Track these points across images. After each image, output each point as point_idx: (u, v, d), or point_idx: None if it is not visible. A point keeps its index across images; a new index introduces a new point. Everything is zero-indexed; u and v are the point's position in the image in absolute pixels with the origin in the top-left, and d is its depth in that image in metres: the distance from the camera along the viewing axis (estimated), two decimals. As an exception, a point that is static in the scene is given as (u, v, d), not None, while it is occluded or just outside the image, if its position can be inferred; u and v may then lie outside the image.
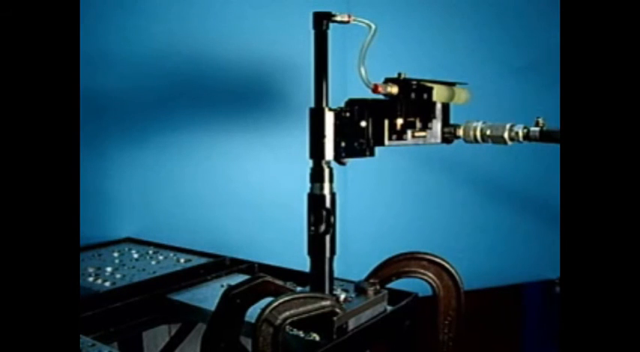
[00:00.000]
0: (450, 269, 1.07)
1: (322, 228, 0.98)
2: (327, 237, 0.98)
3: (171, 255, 1.43)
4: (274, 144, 1.71)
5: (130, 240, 1.55)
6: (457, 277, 1.07)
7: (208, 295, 1.20)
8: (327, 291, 0.99)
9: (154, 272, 1.28)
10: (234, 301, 0.94)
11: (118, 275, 1.27)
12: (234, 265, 1.35)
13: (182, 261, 1.38)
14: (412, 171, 1.87)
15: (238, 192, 1.69)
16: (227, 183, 1.69)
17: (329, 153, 0.98)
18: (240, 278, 1.27)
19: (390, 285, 1.11)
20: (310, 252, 1.00)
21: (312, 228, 0.99)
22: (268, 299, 0.91)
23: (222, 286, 1.22)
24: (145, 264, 1.36)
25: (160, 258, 1.41)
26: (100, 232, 1.53)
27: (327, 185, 0.98)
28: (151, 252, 1.46)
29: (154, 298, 1.17)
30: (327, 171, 0.98)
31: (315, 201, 0.98)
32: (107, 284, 1.21)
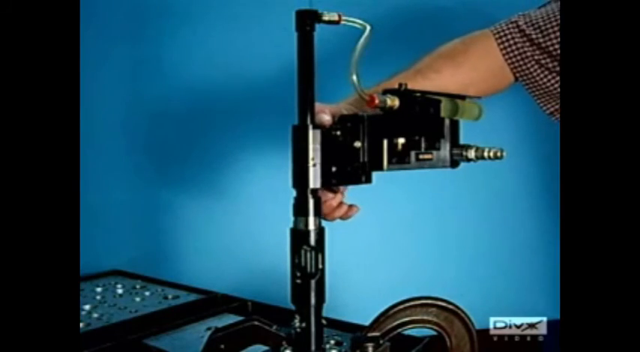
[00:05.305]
0: (462, 315, 0.88)
1: (307, 269, 0.81)
2: (313, 282, 0.81)
3: (159, 290, 1.30)
4: (277, 164, 1.57)
5: (117, 273, 1.43)
6: (470, 324, 0.89)
7: (191, 340, 1.05)
8: (313, 348, 0.82)
9: (135, 311, 1.16)
10: (218, 346, 0.78)
11: (95, 315, 1.14)
12: (225, 303, 1.21)
13: (169, 297, 1.25)
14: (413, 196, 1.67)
15: (233, 223, 1.56)
16: (222, 214, 1.57)
17: (315, 180, 0.81)
18: (230, 319, 1.12)
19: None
20: (294, 300, 0.82)
21: (299, 274, 0.81)
22: (257, 347, 0.78)
23: (207, 329, 1.07)
24: (128, 301, 1.23)
25: (146, 293, 1.28)
26: (87, 263, 1.41)
27: (312, 219, 0.81)
28: (138, 286, 1.33)
29: (129, 343, 1.04)
30: (312, 202, 0.81)
31: (299, 237, 0.81)
32: (81, 325, 1.08)
